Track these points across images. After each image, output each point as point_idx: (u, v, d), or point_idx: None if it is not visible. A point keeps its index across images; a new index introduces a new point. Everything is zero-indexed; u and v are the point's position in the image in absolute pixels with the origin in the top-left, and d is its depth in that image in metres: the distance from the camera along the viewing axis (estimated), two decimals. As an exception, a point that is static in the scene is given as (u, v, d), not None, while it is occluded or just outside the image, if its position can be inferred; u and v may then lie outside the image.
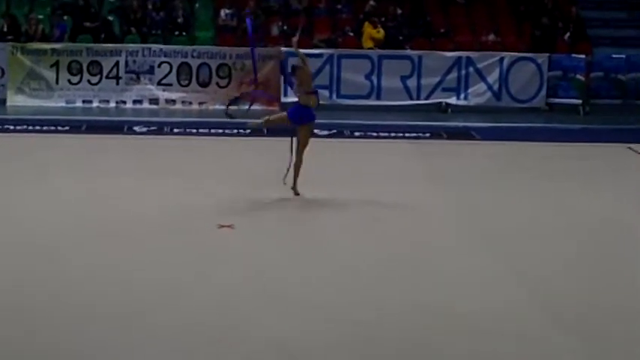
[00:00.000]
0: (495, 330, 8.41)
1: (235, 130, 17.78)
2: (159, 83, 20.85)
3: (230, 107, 19.25)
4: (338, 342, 8.08)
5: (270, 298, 9.05)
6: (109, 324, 8.28)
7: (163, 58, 20.83)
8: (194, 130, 18.10)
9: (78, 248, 10.46)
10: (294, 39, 13.68)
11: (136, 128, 18.21)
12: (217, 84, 20.89)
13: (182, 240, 10.84)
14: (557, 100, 21.22)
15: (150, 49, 20.95)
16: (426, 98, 21.08)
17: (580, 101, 21.05)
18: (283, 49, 20.10)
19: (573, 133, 18.84)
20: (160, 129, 18.21)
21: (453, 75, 21.04)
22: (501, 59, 21.10)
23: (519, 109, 21.04)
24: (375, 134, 18.03)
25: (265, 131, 15.97)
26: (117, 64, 20.72)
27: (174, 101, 20.86)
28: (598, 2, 24.30)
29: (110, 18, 22.40)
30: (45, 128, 17.83)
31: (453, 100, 21.08)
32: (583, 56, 21.24)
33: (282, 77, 20.12)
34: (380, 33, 21.71)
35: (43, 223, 11.46)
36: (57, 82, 20.65)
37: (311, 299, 9.03)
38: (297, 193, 12.91)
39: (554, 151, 17.04)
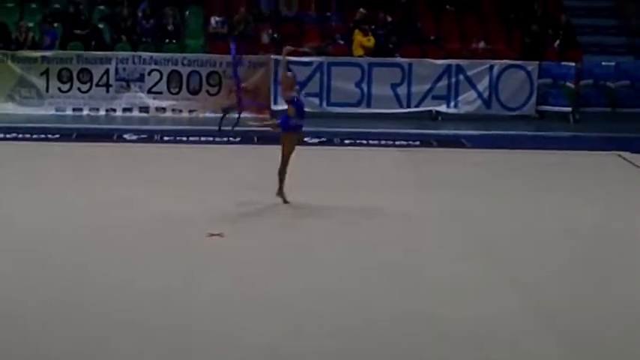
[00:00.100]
0: (488, 337, 8.41)
1: (225, 138, 17.75)
2: (149, 91, 20.78)
3: (225, 117, 18.83)
4: (330, 349, 8.08)
5: (261, 305, 9.05)
6: (100, 331, 8.28)
7: (154, 66, 20.77)
8: (184, 138, 18.06)
9: (68, 255, 10.45)
10: (288, 47, 13.70)
11: (126, 136, 18.16)
12: (208, 92, 20.82)
13: (172, 247, 10.83)
14: (547, 108, 21.21)
15: (140, 56, 20.89)
16: (417, 106, 21.02)
17: (570, 109, 21.04)
18: (273, 56, 20.10)
19: (563, 140, 18.84)
20: (150, 137, 18.16)
21: (443, 83, 21.01)
22: (491, 67, 21.07)
23: (509, 116, 21.01)
24: (365, 142, 18.00)
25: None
26: (107, 71, 20.65)
27: (164, 109, 20.80)
28: (588, 10, 24.33)
29: (100, 26, 22.33)
30: (35, 136, 17.76)
31: (443, 108, 21.04)
32: (573, 64, 21.22)
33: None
34: (370, 41, 21.67)
35: (34, 230, 11.43)
36: (47, 90, 20.57)
37: (302, 306, 9.03)
38: (285, 201, 12.89)
39: (545, 158, 17.03)
